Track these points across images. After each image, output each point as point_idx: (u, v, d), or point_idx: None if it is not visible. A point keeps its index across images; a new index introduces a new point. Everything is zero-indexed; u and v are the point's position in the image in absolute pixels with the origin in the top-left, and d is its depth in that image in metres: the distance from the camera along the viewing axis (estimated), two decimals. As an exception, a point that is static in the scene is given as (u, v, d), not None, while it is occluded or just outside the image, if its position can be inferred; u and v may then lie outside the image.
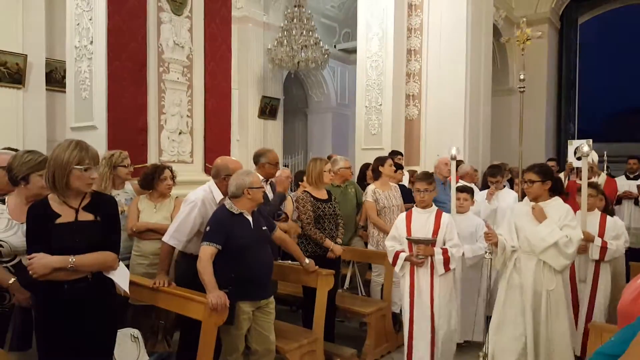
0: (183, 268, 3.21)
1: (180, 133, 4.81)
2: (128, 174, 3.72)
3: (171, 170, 3.65)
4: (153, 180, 3.56)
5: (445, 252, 3.34)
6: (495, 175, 5.23)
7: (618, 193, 6.44)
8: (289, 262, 3.71)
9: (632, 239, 5.54)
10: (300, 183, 5.40)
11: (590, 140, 5.58)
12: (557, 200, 3.26)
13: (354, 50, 8.86)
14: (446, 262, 3.33)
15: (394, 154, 6.19)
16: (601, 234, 3.81)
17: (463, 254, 3.65)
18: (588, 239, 3.66)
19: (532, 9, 10.96)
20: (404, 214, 3.58)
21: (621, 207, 6.46)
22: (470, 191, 4.29)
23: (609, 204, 4.55)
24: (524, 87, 4.42)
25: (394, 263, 3.45)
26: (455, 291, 3.53)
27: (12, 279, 2.26)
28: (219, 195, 3.26)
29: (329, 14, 11.30)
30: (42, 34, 5.74)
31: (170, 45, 4.71)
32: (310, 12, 8.99)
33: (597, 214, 3.94)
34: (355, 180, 5.85)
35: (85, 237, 2.11)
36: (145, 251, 3.45)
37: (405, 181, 6.07)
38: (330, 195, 4.15)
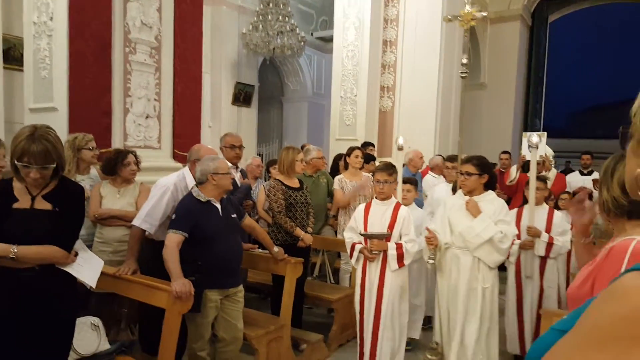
0: (147, 254, 3.12)
1: (147, 117, 4.64)
2: (93, 157, 3.57)
3: (135, 156, 3.52)
4: (116, 166, 3.42)
5: (399, 247, 3.21)
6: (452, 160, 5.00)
7: (572, 189, 6.40)
8: (259, 250, 3.66)
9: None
10: (271, 170, 5.34)
11: (545, 134, 5.61)
12: (491, 195, 3.16)
13: (331, 39, 8.77)
14: (400, 257, 3.19)
15: (366, 145, 6.20)
16: (548, 230, 3.73)
17: None
18: (535, 234, 3.61)
19: (505, 6, 11.12)
20: (363, 205, 3.46)
21: None
22: (414, 182, 4.15)
23: (559, 198, 4.68)
24: (466, 72, 4.25)
25: (351, 255, 3.36)
26: (413, 288, 3.34)
27: None
28: (191, 182, 3.17)
29: (307, 0, 11.16)
30: (-1, 9, 5.42)
31: (137, 25, 4.52)
32: (287, -3, 8.84)
33: (545, 208, 3.86)
34: (329, 170, 5.82)
35: (38, 227, 1.99)
36: (108, 238, 3.32)
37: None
38: (302, 184, 4.11)
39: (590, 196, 6.40)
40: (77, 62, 4.15)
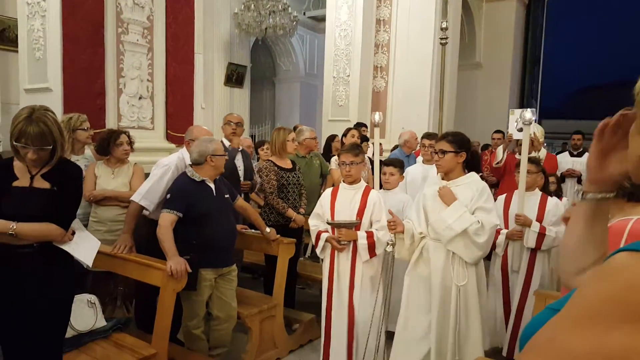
0: (146, 232, 3.19)
1: (140, 98, 4.67)
2: (88, 137, 3.61)
3: (128, 136, 3.56)
4: (109, 146, 3.47)
5: (370, 236, 2.97)
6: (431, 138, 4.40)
7: (561, 171, 6.13)
8: (251, 230, 3.73)
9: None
10: (259, 152, 5.39)
11: (533, 111, 5.41)
12: (471, 177, 2.73)
13: (323, 19, 8.70)
14: (371, 247, 2.96)
15: (358, 125, 6.22)
16: (540, 218, 3.32)
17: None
18: (525, 223, 3.26)
19: (501, -17, 11.02)
20: (329, 190, 3.21)
21: (564, 186, 6.00)
22: (397, 164, 3.72)
23: (549, 182, 4.01)
24: (446, 37, 4.09)
25: (316, 244, 3.13)
26: (385, 279, 2.99)
27: None
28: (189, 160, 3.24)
29: (299, -21, 11.00)
30: (-10, -12, 5.37)
31: (129, 5, 4.51)
32: (279, -24, 8.72)
33: (537, 194, 3.44)
34: (321, 152, 5.87)
35: (36, 205, 2.05)
36: (103, 217, 3.39)
37: (370, 153, 6.13)
38: (294, 165, 4.16)
39: (580, 180, 6.41)
40: (70, 43, 4.17)
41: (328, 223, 3.06)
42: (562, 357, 0.53)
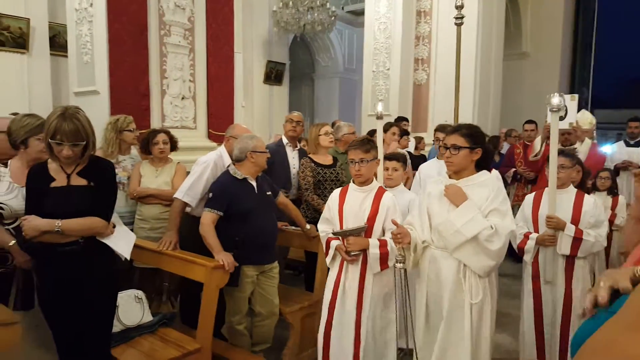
0: (187, 230, 3.26)
1: (182, 98, 4.78)
2: (134, 138, 3.72)
3: (169, 135, 3.64)
4: (148, 145, 3.57)
5: (383, 244, 2.59)
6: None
7: (614, 163, 5.56)
8: (291, 227, 3.74)
9: (630, 220, 4.65)
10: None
11: (576, 96, 4.64)
12: (484, 175, 2.37)
13: (362, 13, 8.60)
14: (383, 257, 2.58)
15: (399, 120, 6.12)
16: (575, 220, 2.85)
17: None
18: (557, 226, 2.80)
19: (549, -34, 10.51)
20: (338, 191, 2.81)
21: (619, 180, 5.22)
22: (401, 159, 3.36)
23: (593, 177, 3.65)
24: (462, 17, 3.73)
25: (326, 252, 2.75)
26: (401, 295, 2.50)
27: (12, 241, 2.31)
28: (228, 159, 3.30)
29: (337, -26, 10.93)
30: (44, -3, 5.66)
31: (171, 7, 4.62)
32: (317, -28, 8.70)
33: (571, 191, 2.97)
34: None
35: (76, 202, 2.12)
36: (147, 215, 3.50)
37: (412, 148, 6.03)
38: (335, 161, 4.12)
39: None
40: (116, 46, 4.32)
41: (333, 233, 2.68)
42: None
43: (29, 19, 5.42)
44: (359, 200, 2.68)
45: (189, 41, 4.83)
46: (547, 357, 2.91)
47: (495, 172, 4.00)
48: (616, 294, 0.77)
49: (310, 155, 4.01)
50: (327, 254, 2.74)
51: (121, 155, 3.66)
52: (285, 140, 4.17)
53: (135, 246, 2.52)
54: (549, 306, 2.89)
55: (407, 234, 2.35)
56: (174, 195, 3.20)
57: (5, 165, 2.47)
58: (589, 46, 12.10)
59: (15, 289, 2.38)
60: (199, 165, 3.25)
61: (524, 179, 5.60)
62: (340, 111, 11.10)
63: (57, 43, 6.10)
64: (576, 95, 4.72)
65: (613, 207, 4.23)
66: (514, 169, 5.70)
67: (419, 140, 6.62)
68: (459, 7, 3.61)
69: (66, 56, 4.93)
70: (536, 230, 2.98)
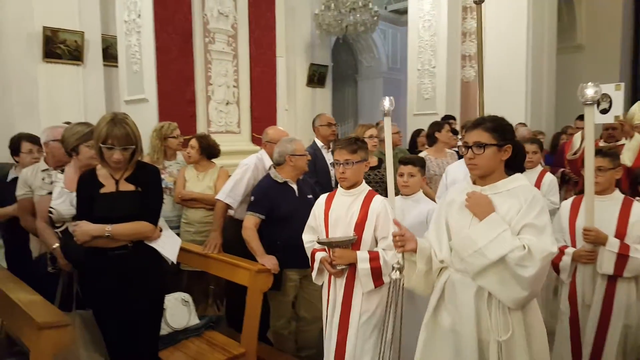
0: (232, 233, 3.29)
1: (227, 104, 4.85)
2: (178, 144, 3.83)
3: (199, 140, 3.68)
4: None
5: (374, 257, 2.26)
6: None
7: None
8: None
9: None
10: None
11: (622, 85, 4.01)
12: (517, 180, 1.88)
13: (405, 11, 8.48)
14: (376, 272, 2.24)
15: (447, 118, 5.93)
16: (621, 233, 2.37)
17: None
18: (597, 240, 2.33)
19: (606, -48, 9.90)
20: (324, 196, 2.52)
21: None
22: (417, 163, 2.90)
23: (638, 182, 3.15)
24: None
25: (312, 266, 2.51)
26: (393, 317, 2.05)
27: (56, 244, 2.40)
28: (268, 162, 3.31)
29: (380, -26, 10.82)
30: (97, 11, 5.91)
31: (215, 15, 4.70)
32: (358, -28, 8.63)
33: (616, 198, 2.48)
34: (407, 147, 5.68)
35: (125, 207, 2.19)
36: (192, 219, 3.56)
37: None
38: (380, 162, 4.04)
39: None
40: (163, 55, 4.44)
41: (318, 242, 2.40)
42: None
43: (83, 32, 5.67)
44: (346, 206, 2.37)
45: (232, 47, 4.90)
46: None
47: (549, 175, 3.76)
48: None
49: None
50: (312, 267, 2.48)
51: (167, 161, 3.75)
52: (320, 144, 4.11)
53: (182, 249, 2.56)
54: (589, 335, 2.44)
55: (412, 238, 1.95)
56: (216, 197, 3.24)
57: (62, 171, 2.59)
58: (653, 36, 11.29)
59: (60, 290, 2.48)
60: (240, 168, 3.30)
61: (571, 181, 5.10)
62: (384, 112, 10.96)
63: (110, 54, 6.37)
64: (622, 84, 4.13)
65: None
66: (562, 169, 5.16)
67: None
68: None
69: (117, 66, 5.13)
70: (574, 244, 2.52)
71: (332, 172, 4.06)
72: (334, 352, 2.32)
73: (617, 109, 4.14)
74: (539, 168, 3.80)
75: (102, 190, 2.20)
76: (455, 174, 3.53)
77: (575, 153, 4.66)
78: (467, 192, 1.90)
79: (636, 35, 10.93)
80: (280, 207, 2.96)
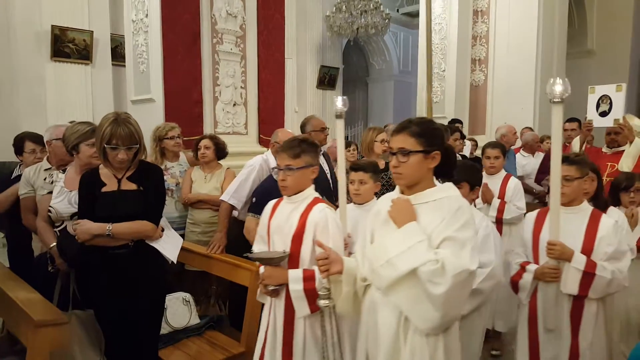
0: (235, 234, 3.27)
1: (234, 105, 4.85)
2: (175, 145, 3.70)
3: (213, 140, 3.66)
4: (197, 151, 3.63)
5: (308, 278, 1.93)
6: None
7: None
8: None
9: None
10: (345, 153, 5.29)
11: (623, 85, 3.72)
12: (447, 190, 1.70)
13: (417, 14, 8.46)
14: (310, 295, 1.90)
15: (453, 122, 5.89)
16: (587, 248, 2.14)
17: None
18: (562, 256, 2.09)
19: (618, -43, 9.80)
20: (273, 202, 2.19)
21: None
22: (369, 169, 2.64)
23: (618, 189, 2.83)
24: None
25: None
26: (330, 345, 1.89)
27: (53, 244, 2.40)
28: (273, 162, 3.29)
29: (392, -24, 10.81)
30: (106, 10, 5.96)
31: (223, 16, 4.70)
32: (370, -25, 8.62)
33: (584, 209, 2.25)
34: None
35: (126, 206, 2.18)
36: (198, 220, 3.55)
37: (467, 151, 5.78)
38: (387, 166, 4.00)
39: None
40: (170, 55, 4.45)
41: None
42: None
43: (92, 31, 5.72)
44: (286, 214, 2.06)
45: (240, 48, 4.90)
46: None
47: (514, 180, 3.63)
48: None
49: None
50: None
51: (169, 162, 3.72)
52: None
53: (185, 249, 2.55)
54: None
55: (338, 260, 1.74)
56: (220, 198, 3.23)
57: (64, 171, 2.59)
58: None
59: (59, 290, 2.48)
60: (246, 169, 3.29)
61: None
62: (394, 114, 10.93)
63: (119, 53, 6.41)
64: (623, 85, 3.87)
65: None
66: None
67: (475, 143, 6.35)
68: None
69: (125, 65, 5.15)
70: (536, 260, 2.25)
71: (328, 176, 4.05)
72: None
73: (618, 111, 3.89)
74: (503, 173, 3.73)
75: (104, 189, 2.19)
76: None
77: None
78: (392, 200, 1.71)
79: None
80: (283, 208, 2.92)
